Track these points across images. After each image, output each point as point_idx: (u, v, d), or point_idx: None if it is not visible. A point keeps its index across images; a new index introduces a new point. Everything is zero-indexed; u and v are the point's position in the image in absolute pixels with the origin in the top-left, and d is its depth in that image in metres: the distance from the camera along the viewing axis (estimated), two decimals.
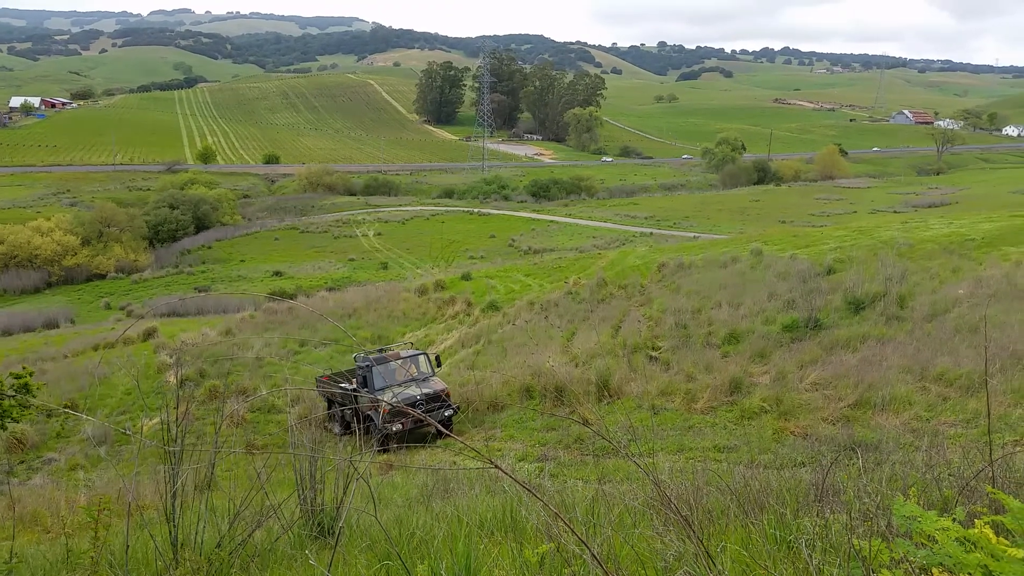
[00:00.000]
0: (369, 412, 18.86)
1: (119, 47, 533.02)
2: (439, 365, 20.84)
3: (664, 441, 13.76)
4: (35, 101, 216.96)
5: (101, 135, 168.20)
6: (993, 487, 3.00)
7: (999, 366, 13.87)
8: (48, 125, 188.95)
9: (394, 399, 18.00)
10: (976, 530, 2.47)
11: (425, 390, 18.84)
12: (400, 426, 18.35)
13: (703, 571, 3.14)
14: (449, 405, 18.94)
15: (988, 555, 2.38)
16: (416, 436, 19.04)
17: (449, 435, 3.33)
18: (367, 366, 19.35)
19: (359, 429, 18.74)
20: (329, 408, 21.07)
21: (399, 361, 19.96)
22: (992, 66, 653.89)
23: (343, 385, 20.14)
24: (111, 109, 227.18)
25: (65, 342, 38.03)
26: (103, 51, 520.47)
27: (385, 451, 17.10)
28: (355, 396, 18.82)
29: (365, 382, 19.27)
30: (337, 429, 20.21)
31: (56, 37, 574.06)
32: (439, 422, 17.77)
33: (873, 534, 3.26)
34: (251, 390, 24.02)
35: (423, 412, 17.75)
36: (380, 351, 21.20)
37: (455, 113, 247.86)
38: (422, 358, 20.41)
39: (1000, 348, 14.77)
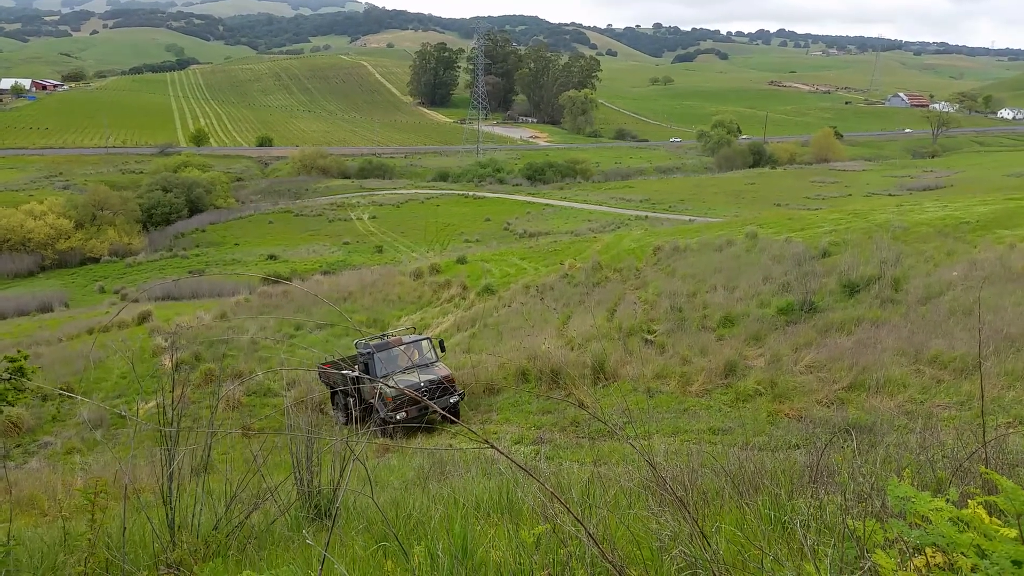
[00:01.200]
0: (372, 400, 18.25)
1: (110, 28, 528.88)
2: (443, 350, 20.18)
3: (659, 423, 13.82)
4: (26, 83, 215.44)
5: (93, 117, 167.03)
6: (986, 468, 3.02)
7: (993, 349, 13.93)
8: (39, 107, 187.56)
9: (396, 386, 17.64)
10: (969, 510, 2.49)
11: (429, 376, 18.27)
12: (404, 415, 17.74)
13: (698, 551, 3.16)
14: (455, 391, 18.49)
15: (981, 535, 2.40)
16: (421, 423, 18.60)
17: (454, 421, 3.31)
18: (368, 352, 18.76)
19: (356, 416, 18.58)
20: (332, 397, 20.54)
21: (402, 347, 19.38)
22: (988, 48, 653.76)
23: (345, 372, 19.58)
24: (103, 91, 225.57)
25: (59, 326, 37.95)
26: (94, 32, 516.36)
27: (389, 438, 16.82)
28: (357, 384, 18.32)
29: (367, 369, 18.67)
30: (340, 418, 19.70)
31: (46, 18, 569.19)
32: (445, 409, 17.56)
33: (867, 515, 3.28)
34: (247, 373, 24.00)
35: (427, 399, 17.35)
36: (382, 337, 20.63)
37: (449, 95, 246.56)
38: (425, 343, 19.84)
39: (994, 331, 14.83)
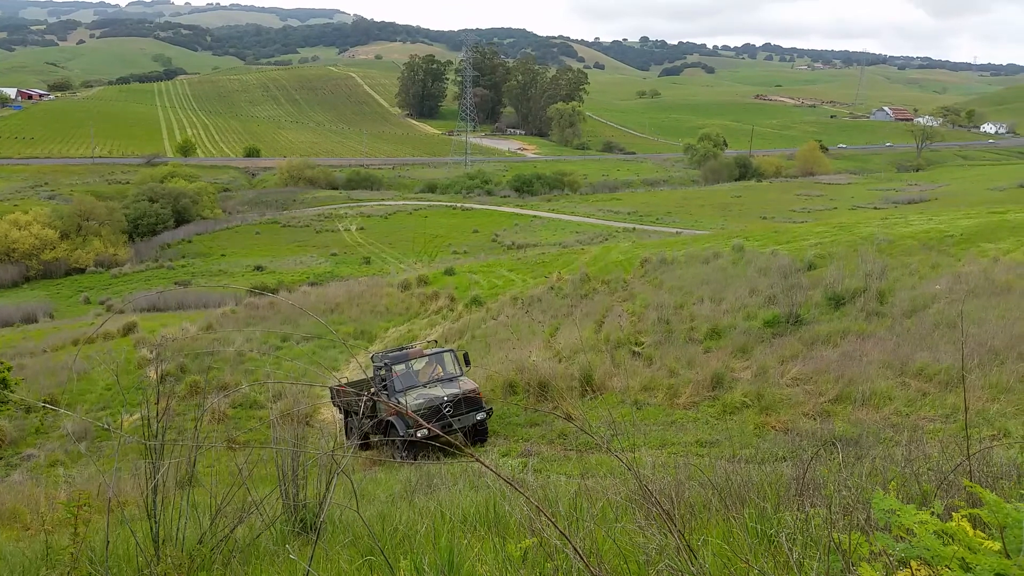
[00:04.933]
0: (390, 419, 16.89)
1: (97, 38, 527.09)
2: (467, 364, 18.50)
3: (647, 436, 13.82)
4: (11, 92, 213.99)
5: (80, 127, 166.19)
6: (970, 481, 3.04)
7: (977, 361, 14.02)
8: (25, 117, 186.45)
9: (417, 402, 16.28)
10: (954, 523, 2.50)
11: (452, 391, 16.94)
12: (426, 432, 15.67)
13: (684, 565, 3.16)
14: (481, 407, 17.04)
15: (965, 548, 2.41)
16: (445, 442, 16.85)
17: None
18: (385, 365, 17.42)
19: (352, 432, 17.60)
20: (345, 420, 18.81)
21: (422, 359, 18.02)
22: (970, 63, 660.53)
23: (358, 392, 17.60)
24: (89, 101, 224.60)
25: (44, 337, 37.64)
26: (81, 42, 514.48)
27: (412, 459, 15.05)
28: (375, 404, 16.74)
29: (384, 384, 17.17)
30: (357, 444, 17.96)
31: (32, 27, 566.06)
32: (472, 426, 16.63)
33: (853, 528, 3.29)
34: (232, 386, 23.82)
35: (452, 416, 16.20)
36: (400, 350, 19.10)
37: (437, 107, 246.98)
38: (447, 355, 18.41)
39: (978, 344, 14.93)
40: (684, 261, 34.58)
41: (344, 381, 19.73)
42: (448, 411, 16.33)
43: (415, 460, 14.78)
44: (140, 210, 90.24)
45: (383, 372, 17.38)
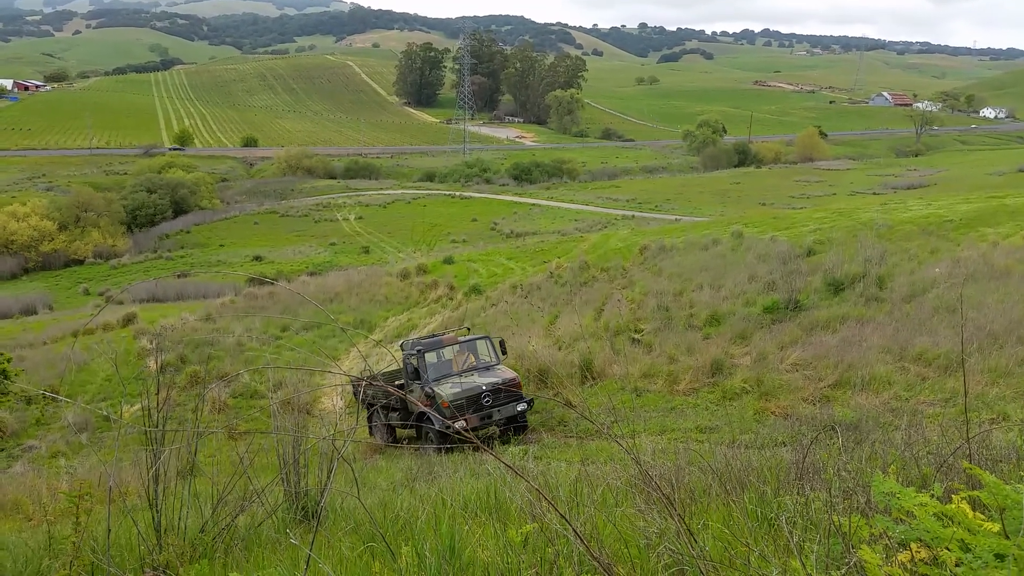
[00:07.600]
0: (423, 410, 15.96)
1: (93, 28, 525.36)
2: (504, 352, 17.55)
3: (647, 422, 13.85)
4: (7, 83, 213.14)
5: (76, 118, 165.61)
6: (970, 463, 3.05)
7: (976, 346, 14.04)
8: (21, 108, 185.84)
9: (453, 391, 15.66)
10: (953, 505, 2.51)
11: (491, 379, 16.08)
12: (464, 423, 14.96)
13: (684, 548, 3.17)
14: (521, 398, 16.21)
15: (965, 529, 2.42)
16: (482, 434, 16.01)
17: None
18: (418, 352, 16.50)
19: (377, 429, 17.16)
20: (369, 416, 18.25)
21: (455, 346, 17.16)
22: (970, 48, 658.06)
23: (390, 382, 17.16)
24: (86, 92, 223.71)
25: (43, 328, 37.65)
26: (77, 32, 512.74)
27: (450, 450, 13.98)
28: (403, 395, 16.00)
29: (416, 373, 16.36)
30: (380, 438, 17.63)
31: (28, 18, 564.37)
32: (511, 417, 16.09)
33: (853, 511, 3.29)
34: (232, 375, 23.83)
35: (491, 406, 15.75)
36: (433, 337, 18.25)
37: (436, 95, 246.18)
38: (482, 343, 17.48)
39: (977, 328, 14.94)
40: (683, 248, 34.54)
41: (368, 374, 18.88)
42: (487, 401, 15.79)
43: (437, 447, 14.21)
44: (138, 201, 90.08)
45: (415, 361, 16.57)
